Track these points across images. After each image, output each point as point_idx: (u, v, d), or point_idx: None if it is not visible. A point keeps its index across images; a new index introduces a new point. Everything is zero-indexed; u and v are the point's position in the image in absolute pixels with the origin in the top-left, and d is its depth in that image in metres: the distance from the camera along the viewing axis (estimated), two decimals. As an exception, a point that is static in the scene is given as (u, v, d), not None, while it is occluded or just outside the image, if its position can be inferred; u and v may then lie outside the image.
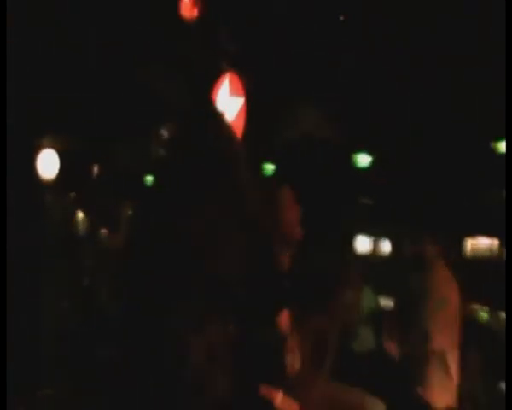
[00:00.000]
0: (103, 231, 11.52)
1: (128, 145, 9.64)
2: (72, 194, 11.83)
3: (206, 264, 1.94)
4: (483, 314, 4.90)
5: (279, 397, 2.51)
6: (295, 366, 2.61)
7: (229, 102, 4.66)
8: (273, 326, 2.40)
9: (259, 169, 9.42)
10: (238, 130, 4.71)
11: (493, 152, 7.23)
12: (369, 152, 9.30)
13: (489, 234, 8.06)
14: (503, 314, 4.75)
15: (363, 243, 9.68)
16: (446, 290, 3.57)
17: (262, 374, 2.35)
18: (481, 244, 8.21)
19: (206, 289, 1.94)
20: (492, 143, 7.25)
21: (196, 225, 1.98)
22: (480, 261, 7.67)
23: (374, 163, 9.30)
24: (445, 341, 3.47)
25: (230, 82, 4.72)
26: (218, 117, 2.16)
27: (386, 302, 5.37)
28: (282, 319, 2.52)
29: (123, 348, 2.13)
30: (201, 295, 1.93)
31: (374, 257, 9.49)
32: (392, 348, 3.60)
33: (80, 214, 11.91)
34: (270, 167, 9.86)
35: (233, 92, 4.69)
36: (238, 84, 4.72)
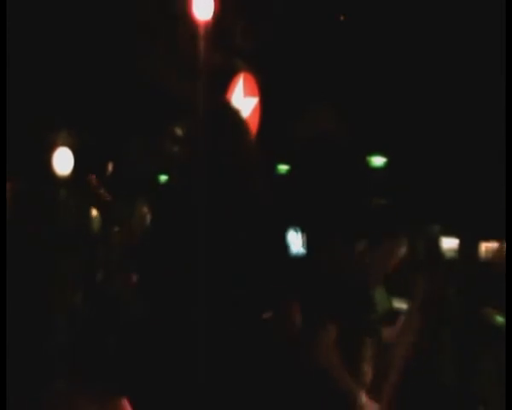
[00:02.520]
0: (116, 229, 11.55)
1: (141, 143, 9.66)
2: (87, 191, 11.86)
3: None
4: (498, 318, 4.86)
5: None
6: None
7: (243, 102, 4.66)
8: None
9: (274, 169, 9.40)
10: (253, 129, 4.70)
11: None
12: (384, 153, 9.27)
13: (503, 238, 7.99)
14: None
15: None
16: None
17: None
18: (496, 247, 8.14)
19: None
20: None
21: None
22: (495, 264, 7.60)
23: (388, 164, 9.27)
24: None
25: (245, 82, 4.71)
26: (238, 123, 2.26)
27: (400, 304, 5.33)
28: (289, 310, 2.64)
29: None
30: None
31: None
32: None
33: (94, 211, 11.96)
34: (283, 168, 9.84)
35: (247, 92, 4.68)
36: (253, 84, 4.71)
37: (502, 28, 2.82)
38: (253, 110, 4.65)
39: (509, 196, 2.64)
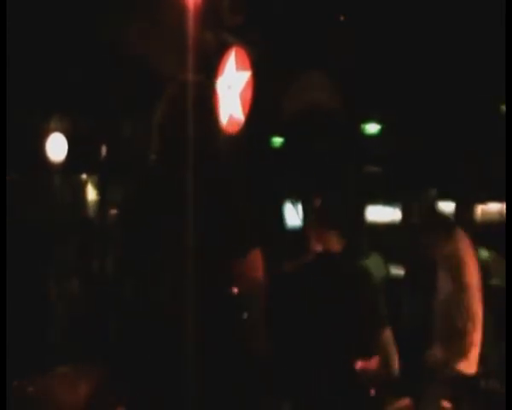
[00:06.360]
0: (113, 211, 11.56)
1: (134, 124, 9.66)
2: (82, 176, 11.87)
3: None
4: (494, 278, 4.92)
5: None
6: None
7: (236, 76, 4.66)
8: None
9: (268, 142, 9.40)
10: (246, 104, 4.72)
11: (504, 118, 7.17)
12: (378, 120, 9.27)
13: (499, 199, 8.07)
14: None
15: (372, 212, 9.68)
16: (466, 256, 3.59)
17: None
18: (491, 209, 8.23)
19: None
20: (502, 108, 7.22)
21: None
22: (490, 225, 7.68)
23: (382, 131, 9.28)
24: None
25: (237, 56, 4.71)
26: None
27: (397, 271, 5.38)
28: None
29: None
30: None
31: (383, 225, 9.48)
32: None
33: (90, 196, 11.97)
34: (278, 140, 9.84)
35: (240, 66, 4.68)
36: (244, 58, 4.71)
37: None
38: (246, 84, 4.65)
39: (509, 195, 2.58)
